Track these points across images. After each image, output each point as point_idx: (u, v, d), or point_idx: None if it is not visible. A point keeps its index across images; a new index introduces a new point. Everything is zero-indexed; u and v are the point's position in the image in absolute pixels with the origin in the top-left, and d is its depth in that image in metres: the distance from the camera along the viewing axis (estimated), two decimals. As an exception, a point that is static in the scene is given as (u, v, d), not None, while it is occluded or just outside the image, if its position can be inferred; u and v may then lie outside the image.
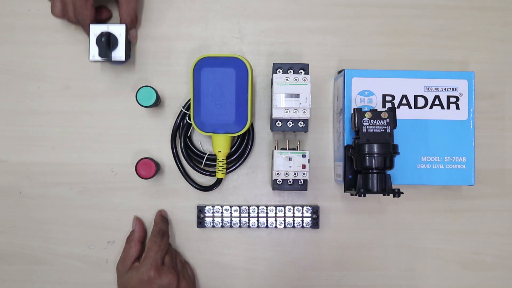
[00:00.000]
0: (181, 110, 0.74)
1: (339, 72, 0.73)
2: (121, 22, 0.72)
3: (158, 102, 0.73)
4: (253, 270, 0.76)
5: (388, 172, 0.66)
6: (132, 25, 0.73)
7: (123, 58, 0.71)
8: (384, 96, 0.70)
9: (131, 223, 0.75)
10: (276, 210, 0.74)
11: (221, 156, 0.71)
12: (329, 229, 0.76)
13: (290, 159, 0.70)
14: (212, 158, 0.74)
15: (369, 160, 0.64)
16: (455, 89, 0.70)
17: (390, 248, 0.76)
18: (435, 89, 0.70)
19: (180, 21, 0.76)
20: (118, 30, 0.71)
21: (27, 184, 0.76)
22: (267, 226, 0.74)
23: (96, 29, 0.70)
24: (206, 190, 0.74)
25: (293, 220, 0.74)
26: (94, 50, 0.70)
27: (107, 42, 0.69)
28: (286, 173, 0.70)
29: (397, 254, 0.76)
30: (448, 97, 0.70)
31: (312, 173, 0.75)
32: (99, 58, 0.70)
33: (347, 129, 0.69)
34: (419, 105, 0.70)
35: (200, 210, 0.74)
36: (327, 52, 0.76)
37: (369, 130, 0.65)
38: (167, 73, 0.76)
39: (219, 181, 0.73)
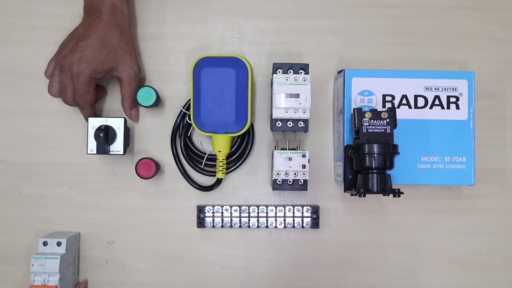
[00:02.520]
0: (181, 110, 0.74)
1: (339, 72, 0.73)
2: (122, 102, 0.72)
3: (158, 102, 0.73)
4: (253, 270, 0.76)
5: (388, 172, 0.66)
6: (134, 104, 0.72)
7: (121, 152, 0.70)
8: (384, 96, 0.70)
9: (131, 223, 0.75)
10: (276, 210, 0.74)
11: (221, 156, 0.71)
12: (329, 229, 0.76)
13: (290, 159, 0.70)
14: (212, 158, 0.74)
15: (369, 160, 0.64)
16: (455, 89, 0.70)
17: (390, 248, 0.76)
18: (435, 89, 0.70)
19: (180, 21, 0.76)
20: (117, 123, 0.70)
21: (27, 184, 0.76)
22: (267, 226, 0.74)
23: (94, 122, 0.69)
24: (206, 190, 0.74)
25: (293, 220, 0.74)
26: (92, 144, 0.69)
27: (105, 137, 0.68)
28: (286, 173, 0.70)
29: (397, 254, 0.76)
30: (448, 97, 0.70)
31: (312, 173, 0.75)
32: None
33: (347, 129, 0.69)
34: (419, 105, 0.70)
35: (200, 210, 0.74)
36: (327, 52, 0.76)
37: (369, 130, 0.65)
38: (167, 73, 0.76)
39: (219, 181, 0.73)
